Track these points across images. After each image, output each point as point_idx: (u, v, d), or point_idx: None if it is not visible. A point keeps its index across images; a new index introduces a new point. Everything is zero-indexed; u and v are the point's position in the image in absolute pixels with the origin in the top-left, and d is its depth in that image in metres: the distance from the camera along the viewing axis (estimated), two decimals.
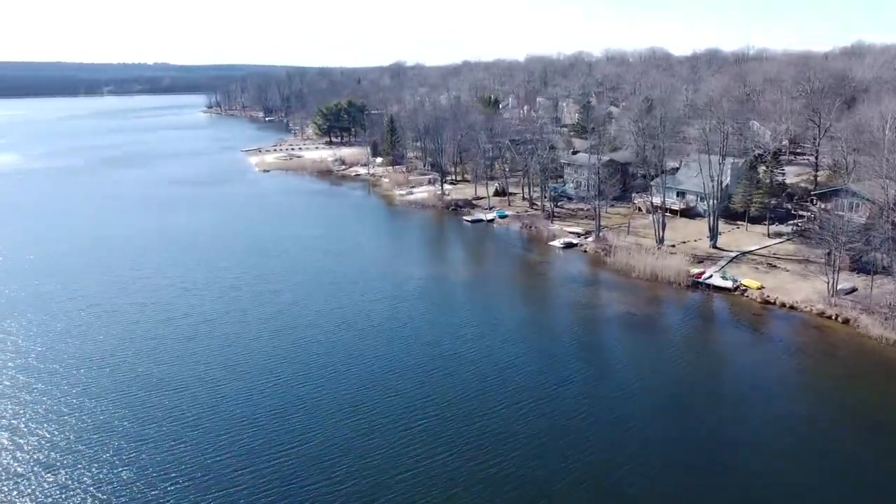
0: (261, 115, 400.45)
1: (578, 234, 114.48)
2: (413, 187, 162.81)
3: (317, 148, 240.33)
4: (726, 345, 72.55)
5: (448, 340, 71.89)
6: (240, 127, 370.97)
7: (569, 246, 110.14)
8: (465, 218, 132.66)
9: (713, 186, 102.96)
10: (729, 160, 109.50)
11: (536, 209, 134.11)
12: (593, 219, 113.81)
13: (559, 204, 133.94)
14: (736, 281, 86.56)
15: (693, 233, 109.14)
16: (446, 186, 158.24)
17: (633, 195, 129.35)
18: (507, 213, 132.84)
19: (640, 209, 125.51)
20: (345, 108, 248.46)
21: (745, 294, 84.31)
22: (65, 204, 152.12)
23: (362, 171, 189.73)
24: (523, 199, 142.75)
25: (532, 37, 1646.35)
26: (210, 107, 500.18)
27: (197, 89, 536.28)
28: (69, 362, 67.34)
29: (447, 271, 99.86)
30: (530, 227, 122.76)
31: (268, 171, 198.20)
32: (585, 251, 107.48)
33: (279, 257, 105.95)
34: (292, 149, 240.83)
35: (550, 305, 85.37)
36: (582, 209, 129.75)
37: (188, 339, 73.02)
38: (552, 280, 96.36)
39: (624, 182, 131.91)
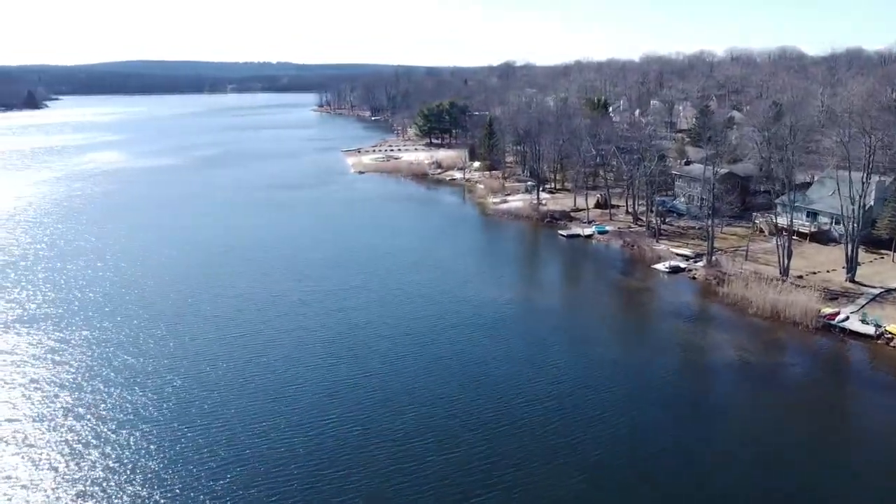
0: (368, 114, 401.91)
1: (687, 258, 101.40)
2: (508, 195, 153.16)
3: (416, 149, 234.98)
4: (867, 409, 58.72)
5: (525, 382, 62.12)
6: (345, 126, 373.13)
7: (675, 270, 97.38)
8: (560, 232, 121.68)
9: (853, 208, 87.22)
10: (874, 178, 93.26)
11: (641, 225, 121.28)
12: (705, 240, 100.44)
13: (667, 220, 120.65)
14: (879, 326, 71.80)
15: (825, 262, 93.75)
16: (543, 195, 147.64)
17: (755, 214, 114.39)
18: (607, 228, 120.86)
19: (761, 231, 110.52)
20: (446, 109, 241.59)
21: (891, 343, 69.51)
22: (153, 207, 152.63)
23: (458, 175, 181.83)
24: (627, 212, 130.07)
25: (648, 35, 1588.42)
26: (320, 105, 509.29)
27: (313, 88, 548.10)
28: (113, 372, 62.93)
29: (535, 295, 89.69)
30: (632, 245, 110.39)
31: (363, 172, 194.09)
32: (694, 278, 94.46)
33: (359, 269, 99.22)
34: (391, 150, 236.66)
35: (648, 344, 73.68)
36: (693, 228, 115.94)
37: (246, 362, 66.96)
38: (653, 312, 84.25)
39: (744, 199, 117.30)
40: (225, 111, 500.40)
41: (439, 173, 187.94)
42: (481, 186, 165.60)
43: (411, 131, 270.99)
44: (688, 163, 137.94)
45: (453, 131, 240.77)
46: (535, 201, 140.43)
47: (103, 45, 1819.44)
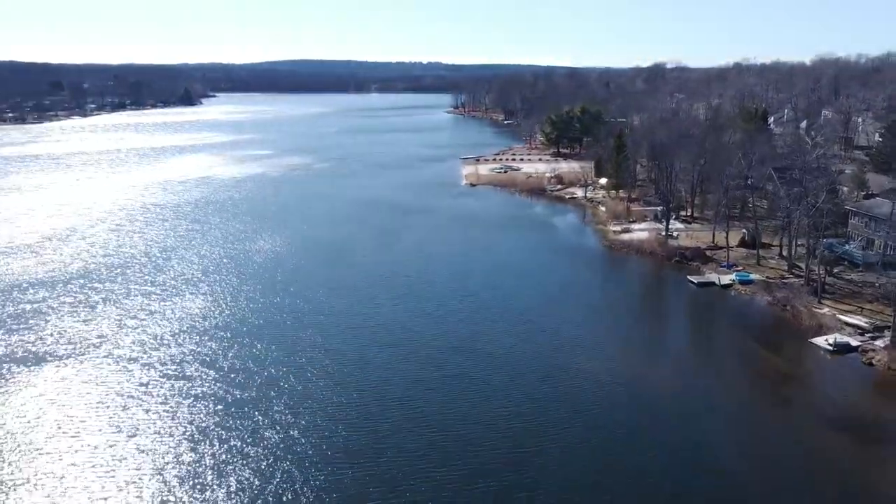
0: (501, 117, 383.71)
1: (862, 330, 74.96)
2: (633, 222, 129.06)
3: (539, 160, 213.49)
4: None
5: None
6: (476, 130, 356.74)
7: (843, 349, 71.57)
8: (691, 278, 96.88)
9: None
10: None
11: (798, 276, 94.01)
12: (891, 304, 73.35)
13: (835, 272, 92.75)
14: None
15: None
16: (676, 225, 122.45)
17: None
18: (752, 277, 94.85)
19: None
20: (577, 116, 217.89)
21: None
22: (240, 219, 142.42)
23: (580, 192, 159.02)
24: (781, 255, 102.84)
25: (823, 33, 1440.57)
26: (455, 107, 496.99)
27: (455, 89, 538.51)
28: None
29: (642, 370, 67.26)
30: (785, 305, 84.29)
31: (474, 185, 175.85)
32: (871, 363, 68.57)
33: (435, 314, 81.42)
34: (512, 159, 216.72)
35: (798, 475, 49.79)
36: (872, 284, 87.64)
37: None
38: (807, 418, 59.23)
39: None
40: (356, 111, 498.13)
41: (558, 190, 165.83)
42: (603, 209, 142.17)
43: (540, 139, 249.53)
44: (868, 196, 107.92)
45: (584, 140, 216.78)
46: (664, 233, 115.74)
47: (269, 45, 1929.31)
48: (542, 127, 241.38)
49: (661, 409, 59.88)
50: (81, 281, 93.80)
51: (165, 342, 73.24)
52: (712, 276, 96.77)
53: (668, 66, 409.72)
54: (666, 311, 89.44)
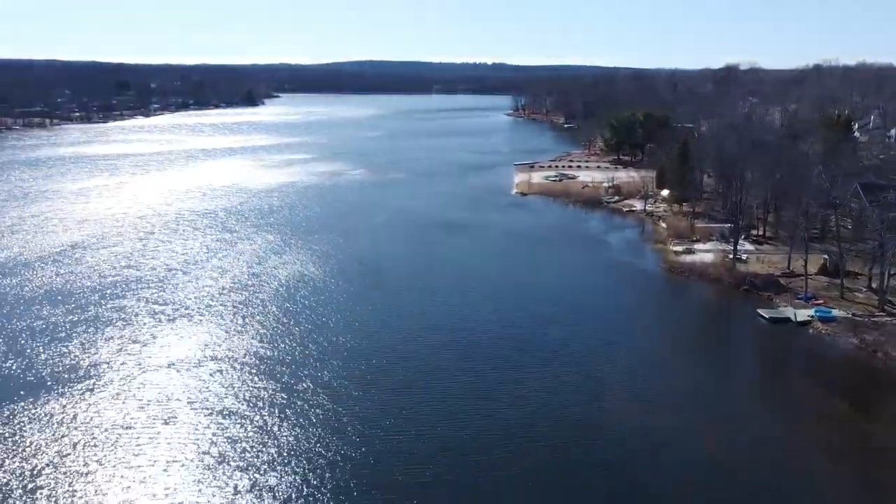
0: (562, 121, 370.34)
1: None
2: (696, 241, 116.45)
3: (598, 167, 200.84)
4: None
5: None
6: (534, 134, 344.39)
7: None
8: (761, 312, 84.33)
9: None
10: None
11: (892, 313, 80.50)
12: None
13: None
14: None
15: None
16: (745, 246, 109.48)
17: None
18: (835, 312, 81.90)
19: None
20: (639, 121, 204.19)
21: None
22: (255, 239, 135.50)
23: (639, 205, 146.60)
24: (870, 288, 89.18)
25: None
26: (515, 109, 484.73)
27: (517, 90, 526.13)
28: None
29: (699, 429, 56.24)
30: (875, 350, 71.69)
31: (525, 194, 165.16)
32: None
33: (462, 348, 71.92)
34: (569, 166, 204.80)
35: None
36: None
37: None
38: None
39: None
40: (414, 113, 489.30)
41: (616, 201, 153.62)
42: (664, 225, 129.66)
43: (599, 144, 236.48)
44: None
45: (647, 147, 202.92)
46: (732, 256, 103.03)
47: (336, 46, 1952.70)
48: (602, 132, 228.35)
49: (722, 483, 48.79)
50: (93, 297, 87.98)
51: (172, 372, 65.98)
52: (787, 311, 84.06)
53: (742, 67, 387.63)
54: (730, 352, 77.23)
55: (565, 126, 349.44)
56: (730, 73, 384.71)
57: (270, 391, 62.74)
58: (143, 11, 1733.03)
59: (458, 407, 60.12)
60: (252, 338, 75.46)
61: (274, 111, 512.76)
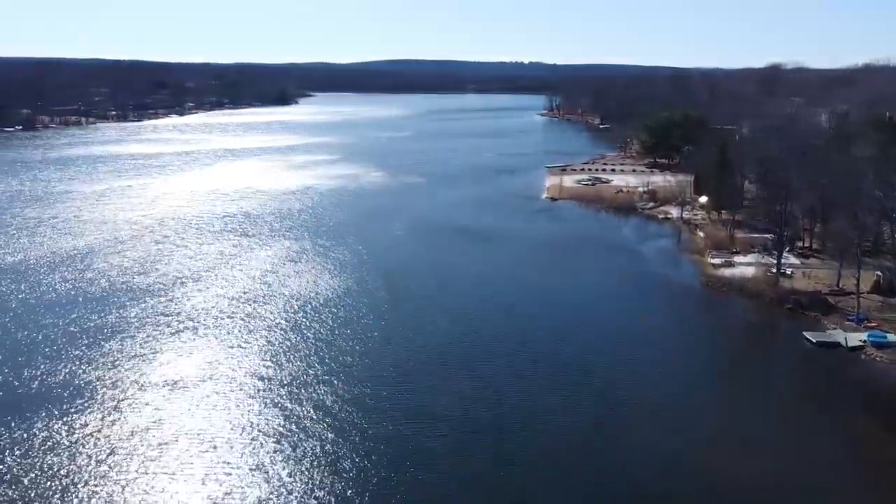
0: (597, 121, 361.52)
1: None
2: (736, 252, 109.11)
3: (633, 171, 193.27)
4: None
5: None
6: (568, 135, 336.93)
7: None
8: (807, 333, 77.26)
9: None
10: None
11: None
12: None
13: None
14: None
15: None
16: (790, 259, 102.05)
17: None
18: (891, 336, 74.49)
19: None
20: (677, 122, 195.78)
21: None
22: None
23: (675, 212, 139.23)
24: None
25: None
26: (549, 109, 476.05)
27: (552, 90, 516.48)
28: None
29: (737, 466, 49.98)
30: None
31: (555, 199, 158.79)
32: None
33: (480, 374, 66.52)
34: (602, 170, 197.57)
35: None
36: None
37: None
38: None
39: None
40: (447, 113, 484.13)
41: (651, 208, 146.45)
42: (702, 234, 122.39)
43: (635, 147, 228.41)
44: None
45: (685, 150, 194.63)
46: (775, 270, 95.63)
47: (373, 46, 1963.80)
48: (637, 133, 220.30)
49: None
50: (96, 307, 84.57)
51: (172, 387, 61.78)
52: (836, 334, 76.86)
53: (786, 66, 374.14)
54: (772, 380, 69.99)
55: (600, 127, 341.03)
56: (774, 72, 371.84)
57: (269, 416, 58.11)
58: (185, 12, 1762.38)
59: (481, 434, 54.79)
60: (255, 355, 71.05)
61: (305, 111, 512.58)
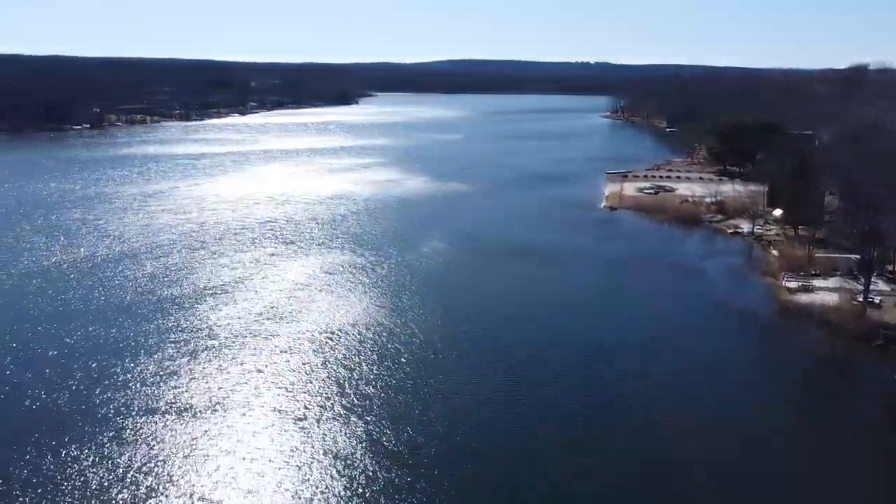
0: (664, 124, 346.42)
1: None
2: (815, 275, 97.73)
3: (700, 179, 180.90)
4: None
5: None
6: (631, 138, 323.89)
7: None
8: None
9: None
10: None
11: None
12: None
13: None
14: None
15: None
16: (878, 285, 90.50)
17: None
18: None
19: None
20: (749, 127, 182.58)
21: None
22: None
23: (746, 227, 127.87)
24: None
25: None
26: (614, 111, 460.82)
27: (616, 90, 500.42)
28: None
29: None
30: None
31: (614, 209, 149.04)
32: None
33: (522, 418, 58.98)
34: (667, 177, 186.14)
35: None
36: None
37: None
38: None
39: None
40: (507, 114, 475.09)
41: (718, 220, 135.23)
42: (776, 253, 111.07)
43: (702, 153, 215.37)
44: None
45: (757, 157, 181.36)
46: (861, 298, 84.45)
47: (436, 45, 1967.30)
48: (705, 138, 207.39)
49: None
50: (119, 318, 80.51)
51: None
52: None
53: (872, 67, 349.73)
54: (854, 431, 59.50)
55: (666, 130, 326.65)
56: (857, 73, 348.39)
57: (286, 443, 51.91)
58: (254, 12, 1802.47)
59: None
60: (271, 381, 65.17)
61: (364, 111, 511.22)
